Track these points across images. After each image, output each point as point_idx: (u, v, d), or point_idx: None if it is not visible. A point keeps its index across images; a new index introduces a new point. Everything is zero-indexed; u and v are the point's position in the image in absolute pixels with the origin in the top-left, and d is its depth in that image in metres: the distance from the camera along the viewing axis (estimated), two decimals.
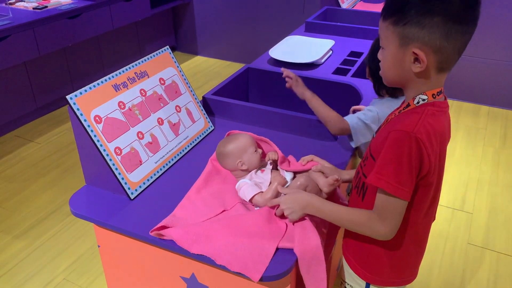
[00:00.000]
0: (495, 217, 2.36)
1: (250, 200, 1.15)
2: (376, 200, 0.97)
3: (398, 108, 1.03)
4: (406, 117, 0.94)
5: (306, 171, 1.21)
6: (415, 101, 0.96)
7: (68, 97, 1.16)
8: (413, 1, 0.87)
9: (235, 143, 1.25)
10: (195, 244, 1.04)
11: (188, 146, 1.43)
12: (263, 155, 1.28)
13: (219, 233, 1.05)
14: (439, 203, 1.11)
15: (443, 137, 0.96)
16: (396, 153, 0.90)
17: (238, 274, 1.02)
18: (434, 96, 0.95)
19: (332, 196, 1.20)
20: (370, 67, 1.43)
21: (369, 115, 1.39)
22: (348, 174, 1.23)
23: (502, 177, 2.69)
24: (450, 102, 3.56)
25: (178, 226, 1.08)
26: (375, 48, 1.30)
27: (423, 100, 0.95)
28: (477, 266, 2.06)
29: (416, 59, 0.91)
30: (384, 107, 1.39)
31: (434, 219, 1.09)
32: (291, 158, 1.28)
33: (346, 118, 1.41)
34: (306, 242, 1.02)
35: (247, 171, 1.22)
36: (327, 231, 1.15)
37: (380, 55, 0.99)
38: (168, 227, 1.09)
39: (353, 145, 1.42)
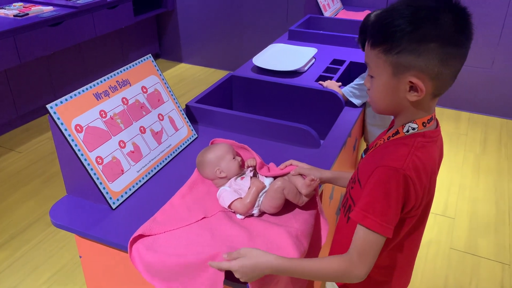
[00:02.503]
0: (477, 221, 2.40)
1: (229, 207, 1.15)
2: (356, 237, 0.91)
3: (386, 133, 1.00)
4: (395, 150, 0.91)
5: (285, 175, 1.22)
6: (405, 129, 0.93)
7: (48, 106, 1.14)
8: (404, 28, 0.83)
9: (212, 152, 1.26)
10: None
11: (171, 154, 1.42)
12: (243, 162, 1.28)
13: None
14: None
15: (433, 168, 0.94)
16: (384, 190, 0.87)
17: (224, 283, 1.01)
18: (424, 124, 0.92)
19: (311, 204, 1.20)
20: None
21: (357, 81, 1.77)
22: (331, 173, 1.21)
23: (482, 182, 2.73)
24: None
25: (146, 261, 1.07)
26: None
27: (413, 129, 0.92)
28: (460, 271, 2.09)
29: (412, 87, 0.87)
30: None
31: (419, 244, 1.09)
32: (271, 165, 1.29)
33: (343, 90, 1.81)
34: None
35: (227, 178, 1.23)
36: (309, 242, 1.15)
37: (367, 83, 0.95)
38: (146, 235, 1.09)
39: (358, 104, 1.77)
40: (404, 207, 0.90)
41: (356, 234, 0.91)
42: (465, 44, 0.86)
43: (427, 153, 0.91)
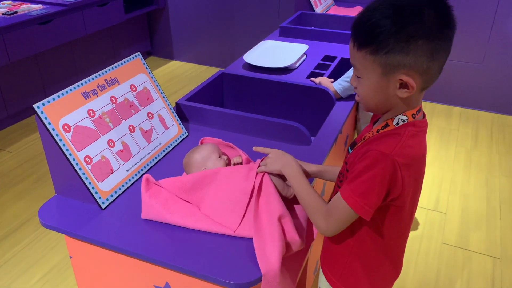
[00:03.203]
0: (468, 216, 2.41)
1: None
2: (334, 199, 0.97)
3: (375, 126, 1.00)
4: (386, 139, 0.92)
5: None
6: (395, 122, 0.94)
7: (35, 106, 1.13)
8: (389, 28, 0.83)
9: (197, 153, 1.26)
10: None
11: (161, 153, 1.42)
12: (229, 161, 1.28)
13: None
14: None
15: (423, 158, 0.95)
16: (371, 174, 0.89)
17: (212, 281, 1.01)
18: (413, 116, 0.93)
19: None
20: None
21: (347, 74, 1.79)
22: (317, 167, 1.22)
23: (473, 177, 2.75)
24: (423, 104, 3.63)
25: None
26: None
27: (403, 121, 0.93)
28: (451, 265, 2.10)
29: (402, 85, 0.88)
30: None
31: (407, 236, 1.10)
32: (258, 161, 1.28)
33: (333, 84, 1.81)
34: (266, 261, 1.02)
35: None
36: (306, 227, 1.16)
37: (354, 82, 0.95)
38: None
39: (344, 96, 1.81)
40: (390, 194, 0.91)
41: (337, 201, 0.95)
42: (450, 36, 0.87)
43: (418, 141, 0.93)
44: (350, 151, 1.03)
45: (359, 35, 0.89)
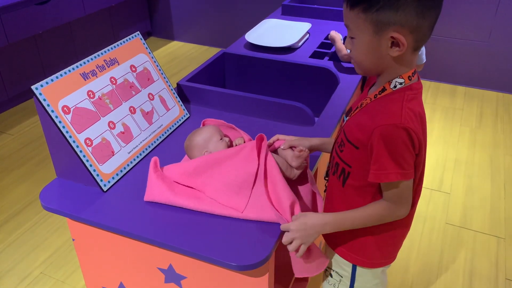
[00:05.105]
0: (472, 196, 2.40)
1: None
2: (386, 192, 0.97)
3: (372, 92, 1.00)
4: (387, 107, 0.93)
5: (275, 151, 1.20)
6: (392, 85, 0.94)
7: (33, 87, 1.11)
8: None
9: (199, 135, 1.25)
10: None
11: (163, 135, 1.40)
12: (231, 143, 1.27)
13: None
14: None
15: (423, 118, 0.97)
16: (392, 147, 0.90)
17: (216, 263, 1.01)
18: (410, 78, 0.94)
19: (302, 178, 1.19)
20: None
21: None
22: (320, 140, 1.23)
23: (478, 157, 2.73)
24: (427, 83, 3.59)
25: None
26: None
27: (400, 84, 0.94)
28: (455, 245, 2.10)
29: (393, 43, 0.89)
30: None
31: (418, 198, 1.10)
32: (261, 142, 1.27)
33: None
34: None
35: None
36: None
37: (348, 45, 0.96)
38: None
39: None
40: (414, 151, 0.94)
41: (384, 188, 0.97)
42: None
43: (417, 104, 0.95)
44: (346, 118, 1.02)
45: None
